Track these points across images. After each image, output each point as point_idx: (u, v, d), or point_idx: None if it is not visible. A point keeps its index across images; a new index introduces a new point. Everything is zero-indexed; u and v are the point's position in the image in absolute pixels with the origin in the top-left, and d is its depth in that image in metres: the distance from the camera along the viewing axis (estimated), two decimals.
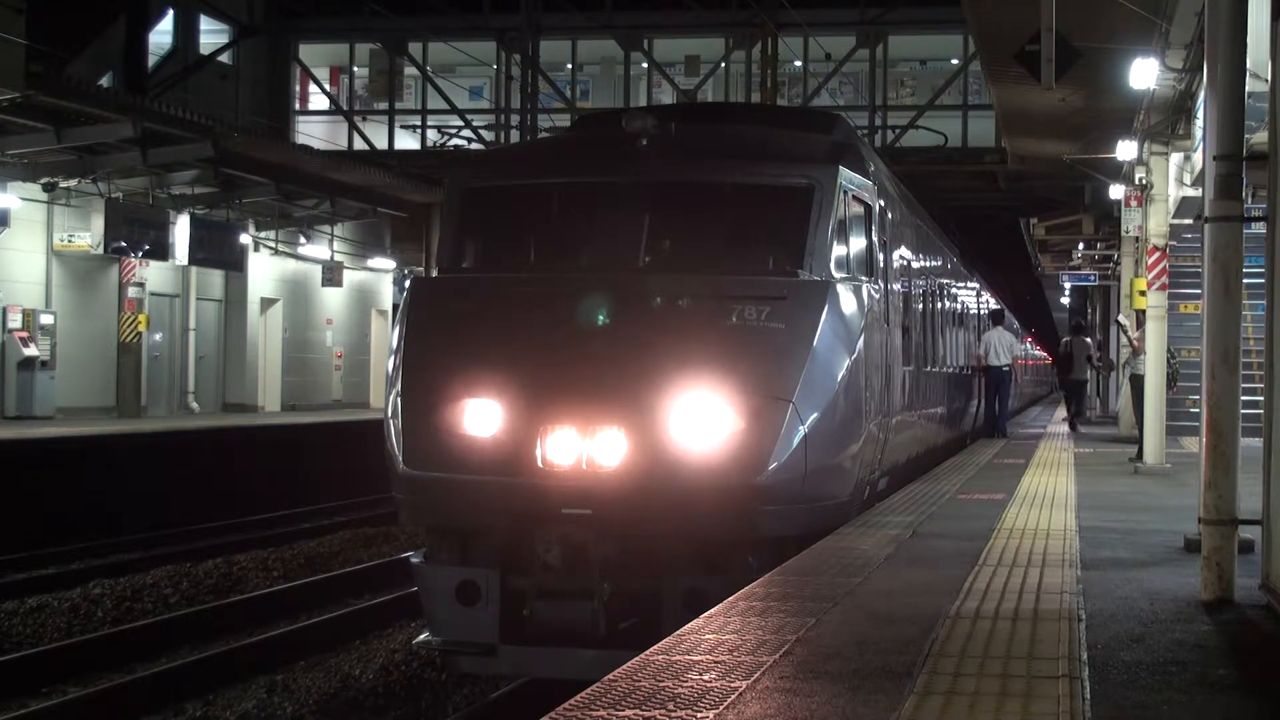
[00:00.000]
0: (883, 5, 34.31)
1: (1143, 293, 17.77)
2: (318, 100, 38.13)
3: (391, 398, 9.31)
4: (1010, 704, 4.77)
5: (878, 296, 10.60)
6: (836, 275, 9.57)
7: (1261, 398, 6.91)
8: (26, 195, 24.18)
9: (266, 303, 32.46)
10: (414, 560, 9.51)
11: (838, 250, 9.71)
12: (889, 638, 5.83)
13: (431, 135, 36.01)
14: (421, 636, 9.45)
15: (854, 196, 10.17)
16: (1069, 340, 28.31)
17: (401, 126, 36.98)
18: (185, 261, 27.96)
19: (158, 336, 28.50)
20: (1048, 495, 12.45)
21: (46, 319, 24.91)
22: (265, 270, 32.16)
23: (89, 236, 25.60)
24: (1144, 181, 18.61)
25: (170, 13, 33.90)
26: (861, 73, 34.96)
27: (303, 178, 29.04)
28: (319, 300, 34.72)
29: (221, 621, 13.50)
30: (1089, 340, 30.95)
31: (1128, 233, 23.49)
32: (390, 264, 36.46)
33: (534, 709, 6.50)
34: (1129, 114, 18.76)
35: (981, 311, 25.56)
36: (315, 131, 36.15)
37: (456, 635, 9.10)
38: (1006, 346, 22.66)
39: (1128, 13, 13.63)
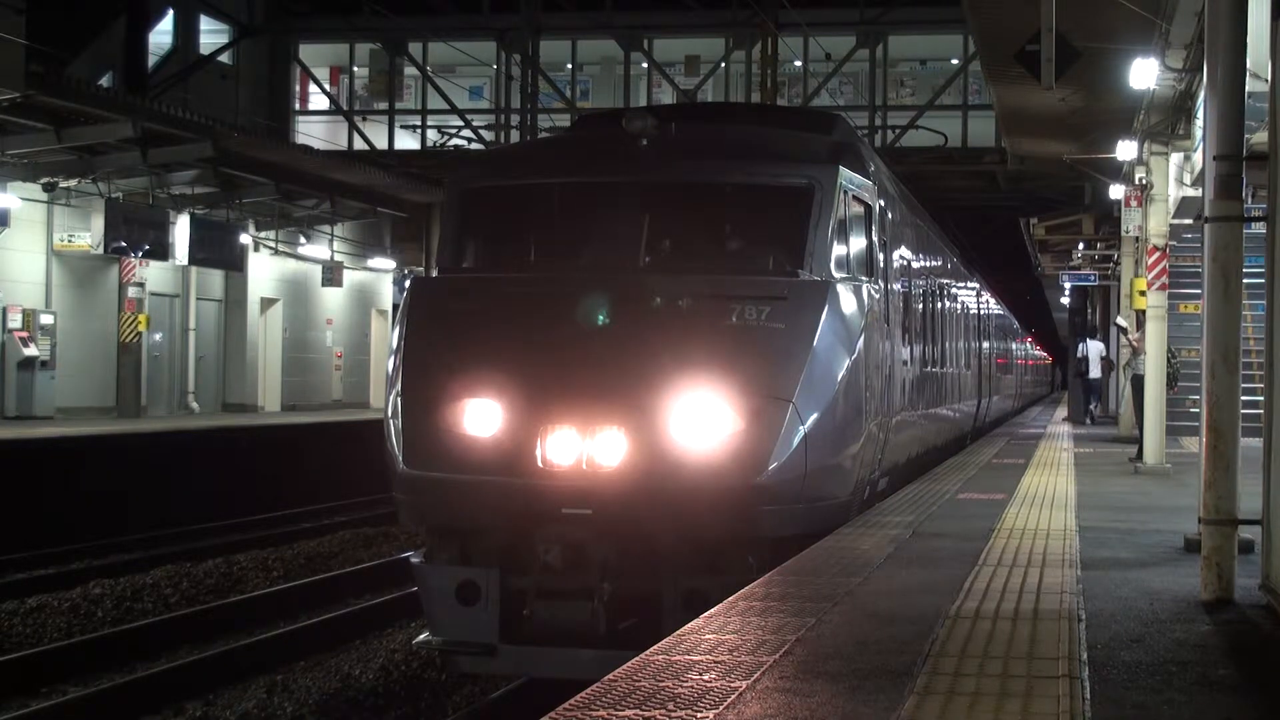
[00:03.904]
0: (883, 5, 34.31)
1: (1143, 293, 17.77)
2: (318, 100, 38.14)
3: (391, 398, 9.31)
4: (1010, 704, 4.77)
5: (878, 296, 10.60)
6: (836, 275, 9.56)
7: (1261, 398, 6.91)
8: (26, 195, 24.18)
9: (266, 303, 32.46)
10: (414, 560, 9.50)
11: (838, 250, 9.70)
12: (889, 638, 5.83)
13: (431, 135, 36.03)
14: (421, 636, 9.44)
15: (854, 196, 10.17)
16: (1084, 344, 31.88)
17: (401, 126, 36.99)
18: (185, 261, 27.96)
19: (158, 336, 28.50)
20: (1048, 495, 12.45)
21: (46, 319, 24.90)
22: (265, 270, 32.16)
23: (89, 236, 25.60)
24: (1144, 181, 18.60)
25: (170, 13, 33.91)
26: (861, 73, 34.96)
27: (303, 178, 29.04)
28: (319, 300, 34.72)
29: (221, 621, 13.50)
30: (1101, 344, 32.44)
31: (1128, 233, 23.49)
32: (390, 264, 36.46)
33: (534, 709, 6.49)
34: (1129, 114, 18.76)
35: (982, 311, 25.58)
36: (315, 131, 36.15)
37: (456, 635, 9.10)
38: None
39: (1128, 13, 13.63)
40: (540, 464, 8.71)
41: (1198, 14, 12.17)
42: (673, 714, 4.60)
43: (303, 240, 32.73)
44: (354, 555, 18.19)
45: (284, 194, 29.10)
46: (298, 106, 37.94)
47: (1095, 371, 31.53)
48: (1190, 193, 17.02)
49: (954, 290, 19.61)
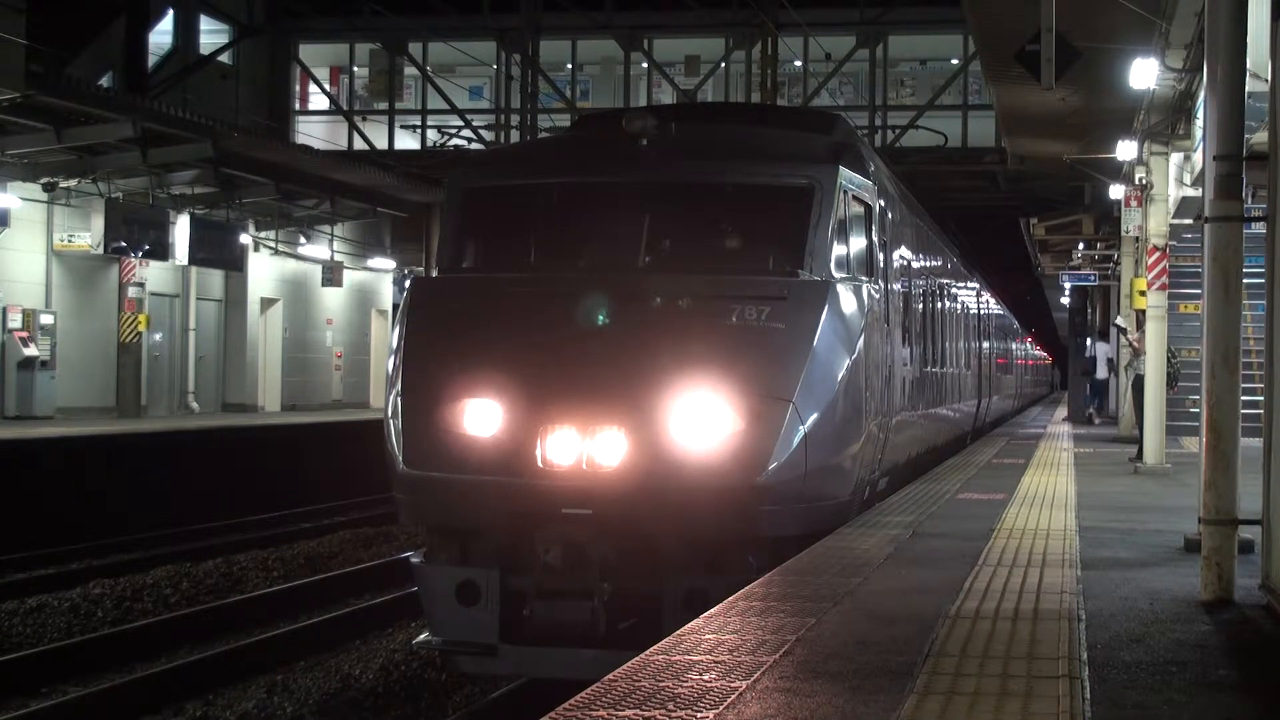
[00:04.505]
0: (883, 5, 34.30)
1: (1143, 293, 17.78)
2: (318, 100, 38.13)
3: (391, 398, 9.31)
4: (1010, 704, 4.77)
5: (878, 296, 10.60)
6: (836, 275, 9.56)
7: (1261, 398, 6.91)
8: (26, 195, 24.19)
9: (266, 303, 32.46)
10: (414, 560, 9.50)
11: (838, 250, 9.70)
12: (889, 638, 5.83)
13: (431, 135, 36.02)
14: (421, 636, 9.45)
15: (854, 196, 10.17)
16: (1093, 344, 32.51)
17: (401, 126, 36.97)
18: (185, 261, 27.97)
19: (158, 336, 28.51)
20: (1048, 495, 12.45)
21: (46, 319, 24.90)
22: (265, 270, 32.16)
23: (89, 236, 25.60)
24: (1144, 181, 18.61)
25: (170, 13, 33.88)
26: (861, 73, 34.95)
27: (303, 178, 29.03)
28: (319, 300, 34.72)
29: (221, 621, 13.50)
30: (1109, 346, 32.61)
31: (1128, 233, 23.49)
32: (390, 264, 36.46)
33: (534, 709, 6.50)
34: (1129, 114, 18.76)
35: (982, 311, 25.56)
36: (315, 131, 36.15)
37: (456, 635, 9.10)
38: None
39: (1128, 13, 13.63)
40: (540, 464, 8.71)
41: (1198, 14, 12.17)
42: (673, 714, 4.60)
43: (303, 240, 32.72)
44: (354, 555, 18.18)
45: (284, 194, 29.08)
46: (298, 106, 37.92)
47: (1102, 373, 31.64)
48: (1190, 193, 17.01)
49: (954, 290, 19.61)
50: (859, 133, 15.57)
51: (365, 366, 37.06)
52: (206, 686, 11.05)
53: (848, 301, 9.59)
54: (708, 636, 5.87)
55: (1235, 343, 6.99)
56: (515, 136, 35.06)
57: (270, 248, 31.98)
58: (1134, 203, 20.78)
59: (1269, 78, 6.95)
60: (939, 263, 17.42)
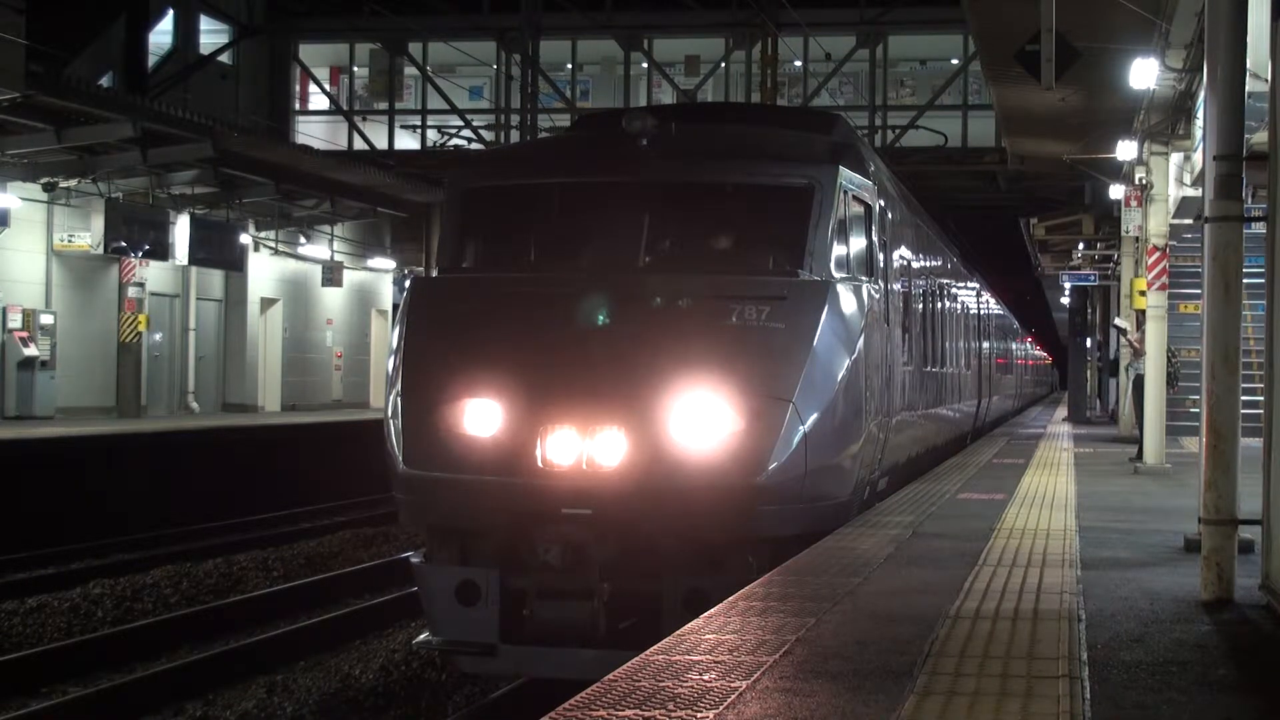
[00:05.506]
0: (883, 5, 34.31)
1: (1143, 293, 17.78)
2: (318, 100, 38.12)
3: (391, 398, 9.31)
4: (1010, 704, 4.77)
5: (878, 296, 10.60)
6: (836, 275, 9.57)
7: (1261, 398, 6.91)
8: (26, 195, 24.18)
9: (266, 303, 32.46)
10: (414, 560, 9.51)
11: (838, 250, 9.71)
12: (889, 638, 5.83)
13: (431, 135, 36.02)
14: (421, 636, 9.45)
15: (854, 196, 10.17)
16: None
17: (401, 126, 36.97)
18: (185, 261, 27.96)
19: (158, 336, 28.50)
20: (1048, 495, 12.45)
21: (46, 319, 24.90)
22: (265, 270, 32.16)
23: (89, 236, 25.60)
24: (1144, 181, 18.61)
25: (170, 13, 33.89)
26: (861, 73, 34.96)
27: (303, 178, 29.02)
28: (319, 300, 34.71)
29: (221, 621, 13.50)
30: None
31: (1128, 233, 23.50)
32: (390, 264, 36.46)
33: (534, 709, 6.50)
34: (1129, 114, 18.76)
35: (982, 311, 25.56)
36: (315, 131, 36.14)
37: (456, 635, 9.10)
38: None
39: (1128, 13, 13.63)
40: (540, 464, 8.71)
41: (1198, 14, 12.17)
42: (673, 714, 4.60)
43: (303, 240, 32.72)
44: (354, 555, 18.19)
45: (284, 194, 29.08)
46: (298, 106, 37.92)
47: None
48: (1190, 193, 17.02)
49: (954, 290, 19.61)
50: (859, 133, 15.57)
51: (365, 366, 37.06)
52: (206, 686, 11.06)
53: (848, 301, 9.59)
54: (708, 636, 5.86)
55: (1235, 343, 6.99)
56: (515, 136, 35.06)
57: (270, 248, 31.97)
58: (1134, 203, 20.79)
59: (1269, 78, 6.94)
60: (939, 263, 17.42)
